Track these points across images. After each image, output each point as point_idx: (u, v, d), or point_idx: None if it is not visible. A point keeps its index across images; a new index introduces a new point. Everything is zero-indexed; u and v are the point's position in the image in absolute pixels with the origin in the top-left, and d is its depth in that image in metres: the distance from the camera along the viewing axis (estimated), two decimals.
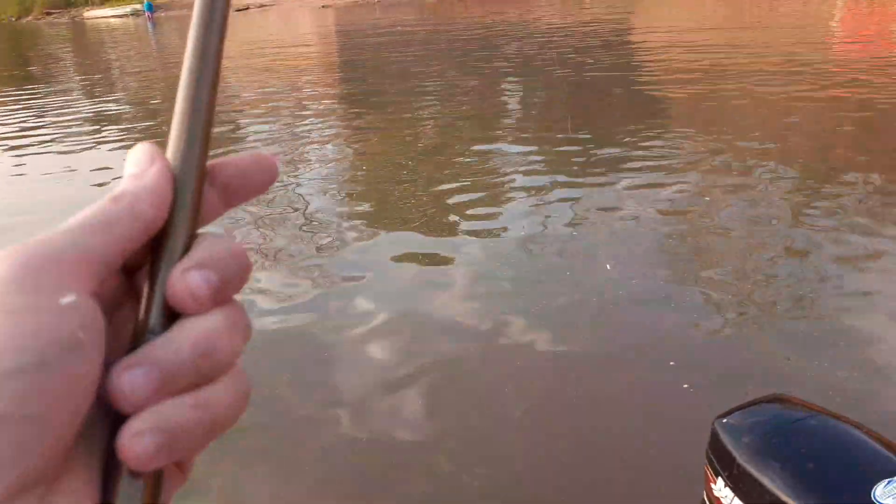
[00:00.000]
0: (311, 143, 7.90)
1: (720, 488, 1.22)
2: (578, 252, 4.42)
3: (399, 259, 4.57)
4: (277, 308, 4.00)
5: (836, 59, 11.23)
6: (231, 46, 22.71)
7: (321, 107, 10.32)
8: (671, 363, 3.19)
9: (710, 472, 1.27)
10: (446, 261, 4.49)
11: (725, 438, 1.22)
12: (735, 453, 1.18)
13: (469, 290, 4.03)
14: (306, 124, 8.94)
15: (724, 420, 1.27)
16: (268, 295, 4.15)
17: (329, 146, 7.85)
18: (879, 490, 1.02)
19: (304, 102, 10.64)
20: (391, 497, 2.54)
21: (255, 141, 8.22)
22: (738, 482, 1.17)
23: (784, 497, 1.07)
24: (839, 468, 1.09)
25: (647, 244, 4.46)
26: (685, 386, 3.00)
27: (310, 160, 7.17)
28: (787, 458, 1.13)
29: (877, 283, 3.75)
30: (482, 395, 3.12)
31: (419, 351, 3.46)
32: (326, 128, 8.77)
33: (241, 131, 8.84)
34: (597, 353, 3.34)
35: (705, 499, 1.30)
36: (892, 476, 1.03)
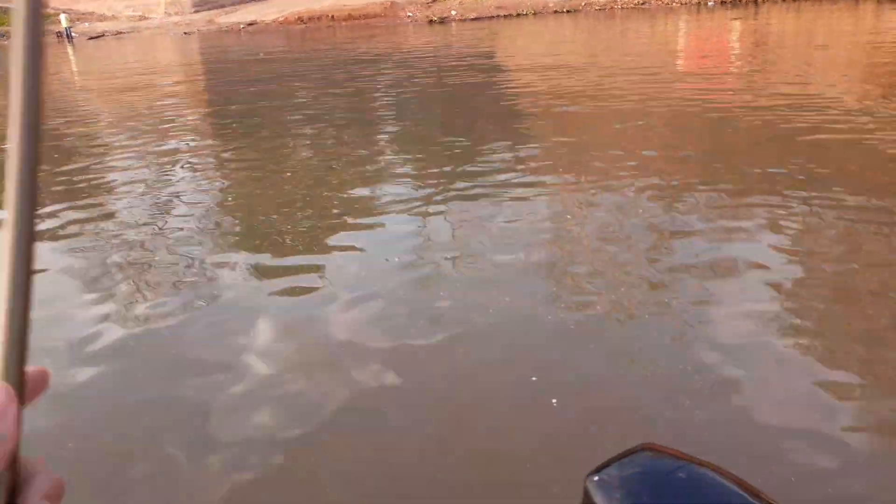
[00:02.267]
0: (181, 176, 7.45)
1: None
2: (453, 267, 4.46)
3: (277, 288, 4.43)
4: (156, 345, 3.79)
5: (682, 73, 12.08)
6: (88, 74, 21.34)
7: (188, 136, 9.79)
8: (533, 378, 3.21)
9: None
10: (327, 283, 4.40)
11: (599, 498, 1.18)
12: None
13: (349, 312, 3.98)
14: (173, 155, 8.44)
15: (596, 478, 1.22)
16: (146, 335, 3.92)
17: (198, 177, 7.46)
18: None
19: (169, 132, 10.08)
20: None
21: (119, 173, 7.66)
22: None
23: None
24: None
25: (522, 257, 4.53)
26: (553, 401, 3.02)
27: (178, 193, 6.77)
28: None
29: (738, 292, 3.96)
30: (349, 409, 3.08)
31: (298, 380, 3.36)
32: (195, 158, 8.32)
33: (102, 164, 8.23)
34: (469, 369, 3.33)
35: None
36: None
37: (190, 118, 11.70)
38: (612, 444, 2.24)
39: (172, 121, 11.05)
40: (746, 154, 6.49)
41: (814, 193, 5.26)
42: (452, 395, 3.20)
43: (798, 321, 3.61)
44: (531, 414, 3.02)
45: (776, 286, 3.92)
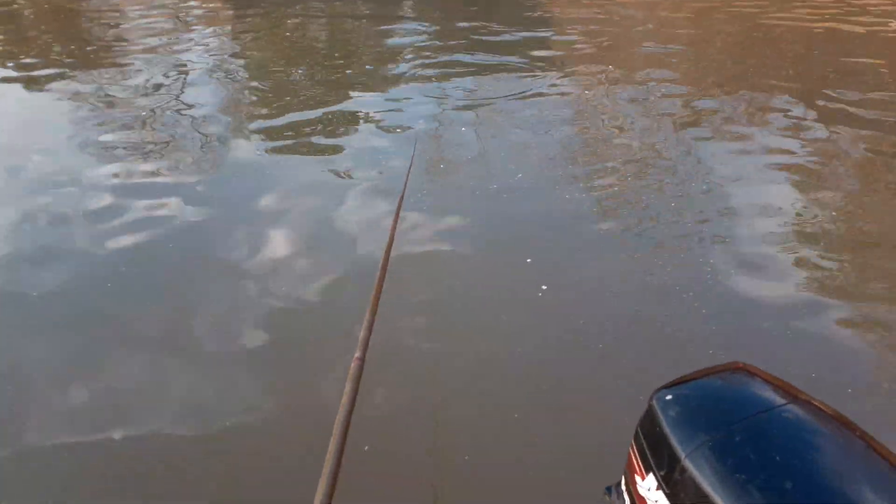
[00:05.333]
0: (196, 49, 6.50)
1: (650, 488, 0.89)
2: (474, 152, 4.04)
3: (300, 162, 4.06)
4: (185, 217, 3.43)
5: None
6: None
7: (201, 12, 8.47)
8: (527, 260, 2.93)
9: (637, 461, 0.93)
10: (346, 159, 4.03)
11: (669, 427, 0.88)
12: (681, 452, 0.84)
13: (372, 188, 3.66)
14: (190, 33, 7.32)
15: (669, 397, 0.92)
16: (178, 207, 3.53)
17: (214, 48, 6.51)
18: None
19: (184, 8, 8.71)
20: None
21: (138, 50, 6.60)
22: (680, 492, 0.84)
23: None
24: (829, 494, 0.79)
25: (545, 144, 4.12)
26: (543, 288, 2.74)
27: (196, 67, 5.92)
28: (757, 470, 0.80)
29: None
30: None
31: (324, 249, 3.11)
32: (210, 33, 7.21)
33: (122, 43, 7.12)
34: (490, 244, 3.06)
35: (623, 485, 0.98)
36: None
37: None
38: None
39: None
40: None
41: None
42: None
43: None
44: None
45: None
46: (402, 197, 2.18)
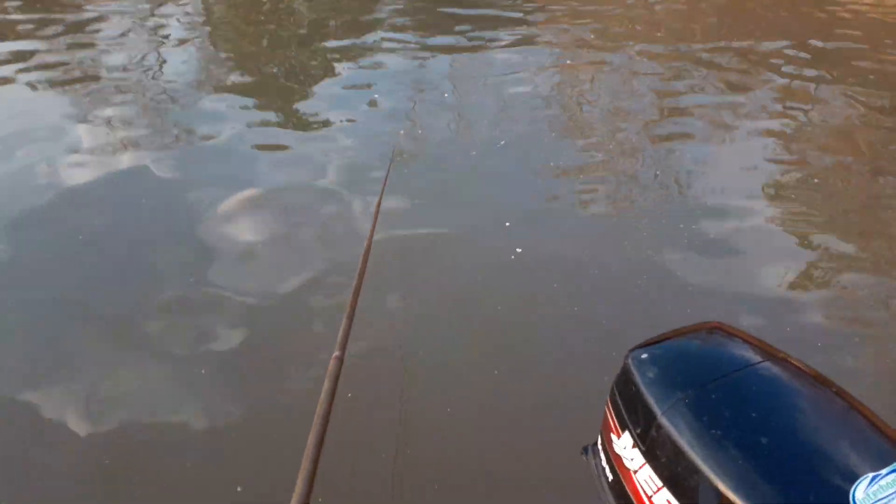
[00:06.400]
0: (171, 21, 6.23)
1: (625, 446, 0.89)
2: (458, 117, 3.99)
3: (276, 138, 3.90)
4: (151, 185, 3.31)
5: None
6: None
7: None
8: (506, 224, 2.91)
9: (613, 420, 0.92)
10: (324, 136, 3.90)
11: (646, 386, 0.87)
12: (657, 410, 0.84)
13: (342, 157, 3.58)
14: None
15: (644, 356, 0.91)
16: (143, 173, 3.41)
17: (183, 16, 6.24)
18: (860, 490, 0.73)
19: None
20: None
21: (104, 20, 6.29)
22: (656, 448, 0.83)
23: (724, 487, 0.75)
24: (805, 449, 0.78)
25: (529, 112, 4.06)
26: (518, 251, 2.73)
27: (166, 34, 5.68)
28: (733, 426, 0.80)
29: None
30: (340, 261, 2.71)
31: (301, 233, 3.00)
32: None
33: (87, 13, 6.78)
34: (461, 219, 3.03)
35: (599, 444, 0.97)
36: (877, 470, 0.74)
37: None
38: None
39: None
40: None
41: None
42: None
43: None
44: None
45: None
46: (383, 186, 2.11)
